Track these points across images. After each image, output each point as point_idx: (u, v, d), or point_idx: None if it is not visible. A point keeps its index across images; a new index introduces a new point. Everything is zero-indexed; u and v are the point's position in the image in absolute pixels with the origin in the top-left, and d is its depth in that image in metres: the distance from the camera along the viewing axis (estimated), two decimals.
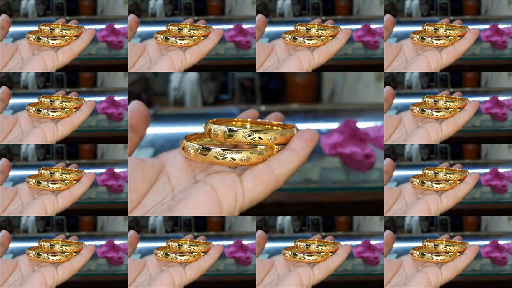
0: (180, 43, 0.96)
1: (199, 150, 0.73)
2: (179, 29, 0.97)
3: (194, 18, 1.06)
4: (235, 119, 0.82)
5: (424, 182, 0.99)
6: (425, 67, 0.99)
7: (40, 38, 0.99)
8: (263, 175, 0.72)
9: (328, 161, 1.41)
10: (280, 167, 0.72)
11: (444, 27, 1.00)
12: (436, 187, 0.99)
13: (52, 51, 0.99)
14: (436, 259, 1.00)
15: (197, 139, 0.79)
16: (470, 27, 1.03)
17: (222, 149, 0.73)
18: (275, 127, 0.80)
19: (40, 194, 1.00)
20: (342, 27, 1.04)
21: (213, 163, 0.74)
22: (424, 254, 1.01)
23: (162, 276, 0.97)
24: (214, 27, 1.02)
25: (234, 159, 0.73)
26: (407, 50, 1.00)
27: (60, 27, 1.00)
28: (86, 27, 1.03)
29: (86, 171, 1.03)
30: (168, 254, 0.98)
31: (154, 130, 1.46)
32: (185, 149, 0.75)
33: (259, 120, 0.81)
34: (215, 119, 0.79)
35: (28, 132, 0.99)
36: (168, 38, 0.97)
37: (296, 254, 1.00)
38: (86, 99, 1.04)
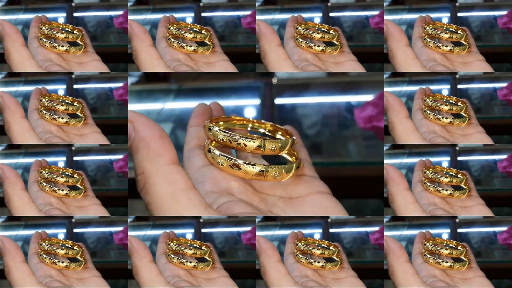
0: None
1: (291, 171, 0.78)
2: (205, 35, 0.96)
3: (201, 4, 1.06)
4: (235, 118, 0.85)
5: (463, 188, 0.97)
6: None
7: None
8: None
9: (357, 136, 1.40)
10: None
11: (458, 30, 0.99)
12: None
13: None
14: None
15: (213, 146, 0.78)
16: (484, 13, 1.03)
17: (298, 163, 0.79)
18: (270, 126, 0.86)
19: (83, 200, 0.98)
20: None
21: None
22: (461, 260, 0.97)
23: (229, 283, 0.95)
24: (227, 13, 1.03)
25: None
26: (446, 63, 0.98)
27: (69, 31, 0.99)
28: (97, 14, 1.03)
29: (102, 157, 1.03)
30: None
31: (178, 105, 1.46)
32: (270, 173, 0.76)
33: (255, 120, 0.86)
34: (213, 119, 0.81)
35: (92, 139, 0.97)
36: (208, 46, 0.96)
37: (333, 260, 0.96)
38: (99, 86, 1.04)
